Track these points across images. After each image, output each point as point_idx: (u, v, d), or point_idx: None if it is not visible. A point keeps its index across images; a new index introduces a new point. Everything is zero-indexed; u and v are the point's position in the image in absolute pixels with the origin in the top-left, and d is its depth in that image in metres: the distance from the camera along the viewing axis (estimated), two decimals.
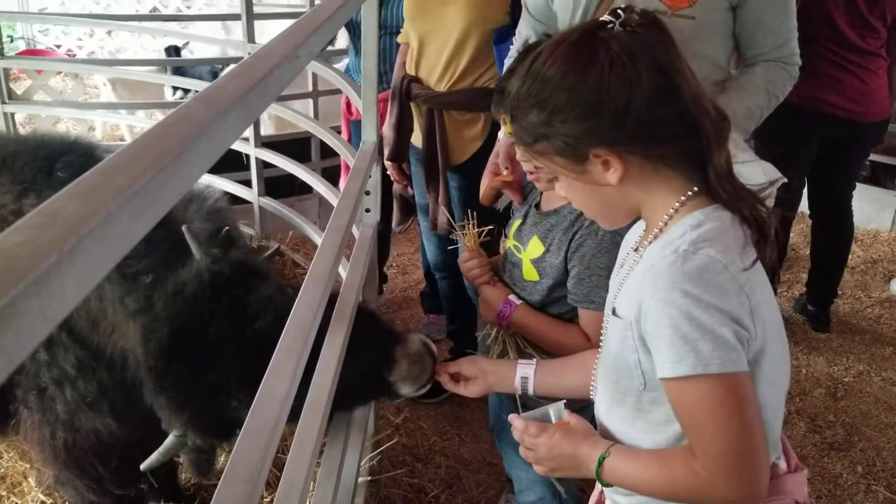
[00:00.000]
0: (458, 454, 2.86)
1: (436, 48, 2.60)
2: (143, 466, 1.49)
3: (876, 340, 3.78)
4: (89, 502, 1.91)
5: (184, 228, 1.52)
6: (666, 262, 1.03)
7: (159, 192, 0.50)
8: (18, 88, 4.62)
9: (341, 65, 3.90)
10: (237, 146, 3.23)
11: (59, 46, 7.46)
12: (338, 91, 4.23)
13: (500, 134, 1.95)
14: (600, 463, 1.14)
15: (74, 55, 7.28)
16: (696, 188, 1.09)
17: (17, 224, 0.40)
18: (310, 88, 4.12)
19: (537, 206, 1.76)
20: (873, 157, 4.24)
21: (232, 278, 1.47)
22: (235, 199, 3.26)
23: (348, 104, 3.35)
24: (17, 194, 1.57)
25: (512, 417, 1.30)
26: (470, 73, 2.57)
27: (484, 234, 1.85)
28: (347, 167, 2.70)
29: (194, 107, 0.63)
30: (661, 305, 1.02)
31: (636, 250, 1.20)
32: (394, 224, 3.14)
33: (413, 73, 2.67)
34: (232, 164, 3.58)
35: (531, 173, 1.65)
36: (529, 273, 1.73)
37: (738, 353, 1.00)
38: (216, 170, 3.32)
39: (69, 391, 1.61)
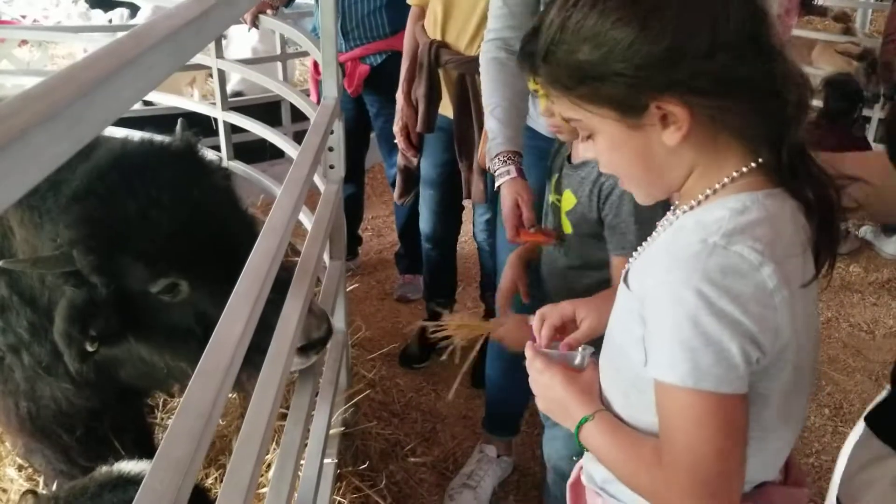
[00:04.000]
0: (434, 409, 2.91)
1: (465, 10, 2.48)
2: (2, 263, 1.43)
3: (844, 287, 3.86)
4: (60, 471, 1.93)
5: (179, 121, 1.66)
6: (690, 250, 0.89)
7: (82, 116, 0.52)
8: None
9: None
10: (204, 110, 3.21)
11: (24, 17, 7.31)
12: (304, 53, 4.22)
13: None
14: (581, 424, 1.07)
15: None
16: (760, 160, 0.94)
17: None
18: (278, 51, 4.09)
19: (569, 158, 1.72)
20: None
21: (199, 158, 1.58)
22: None
23: (316, 66, 3.32)
24: None
25: (527, 346, 1.20)
26: None
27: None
28: None
29: (124, 42, 0.64)
30: (668, 299, 0.90)
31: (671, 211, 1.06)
32: (395, 196, 3.08)
33: (439, 38, 2.54)
34: (200, 130, 3.55)
35: (554, 127, 1.58)
36: (566, 226, 1.71)
37: (737, 372, 0.88)
38: None
39: (25, 357, 1.61)
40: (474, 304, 3.36)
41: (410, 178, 2.99)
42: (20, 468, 2.24)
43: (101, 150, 1.48)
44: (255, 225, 1.67)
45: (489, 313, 3.06)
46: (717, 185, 0.95)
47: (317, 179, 2.23)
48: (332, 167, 2.00)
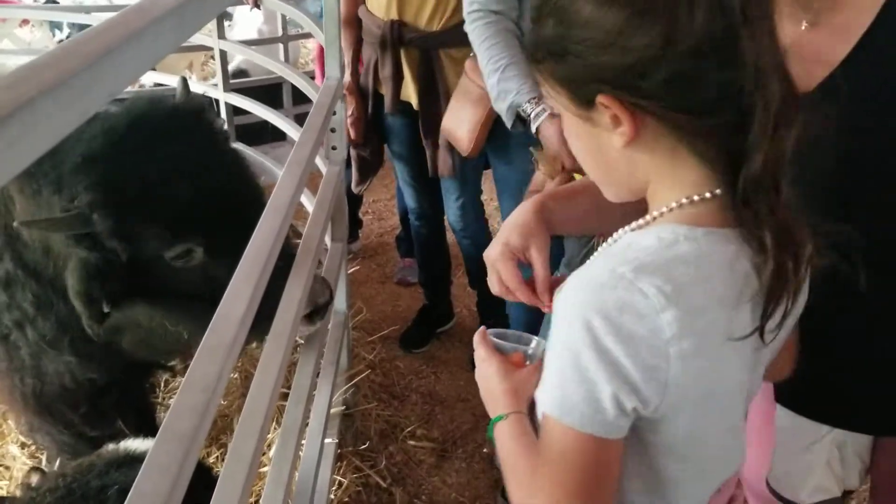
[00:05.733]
0: (433, 391, 2.93)
1: None
2: (16, 223, 1.43)
3: None
4: (65, 447, 1.94)
5: (179, 79, 1.63)
6: (599, 277, 0.82)
7: (88, 87, 0.52)
8: None
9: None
10: (206, 91, 3.20)
11: None
12: (307, 35, 4.20)
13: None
14: (495, 421, 1.02)
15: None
16: (717, 191, 0.83)
17: None
18: (279, 33, 4.08)
19: None
20: None
21: (209, 119, 1.56)
22: None
23: (322, 47, 3.31)
24: None
25: (477, 333, 1.14)
26: (461, 6, 2.51)
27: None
28: None
29: (128, 14, 0.64)
30: (562, 322, 0.84)
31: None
32: (353, 185, 3.04)
33: (396, 17, 2.52)
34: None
35: None
36: None
37: (605, 416, 0.82)
38: None
39: (30, 332, 1.61)
40: (473, 291, 3.37)
41: (366, 164, 2.97)
42: (23, 446, 2.26)
43: (112, 110, 1.47)
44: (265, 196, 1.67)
45: (483, 300, 3.10)
46: (664, 209, 0.86)
47: (318, 161, 2.23)
48: (334, 148, 2.00)
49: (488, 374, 1.08)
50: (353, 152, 2.93)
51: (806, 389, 1.32)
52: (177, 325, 1.55)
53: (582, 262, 0.98)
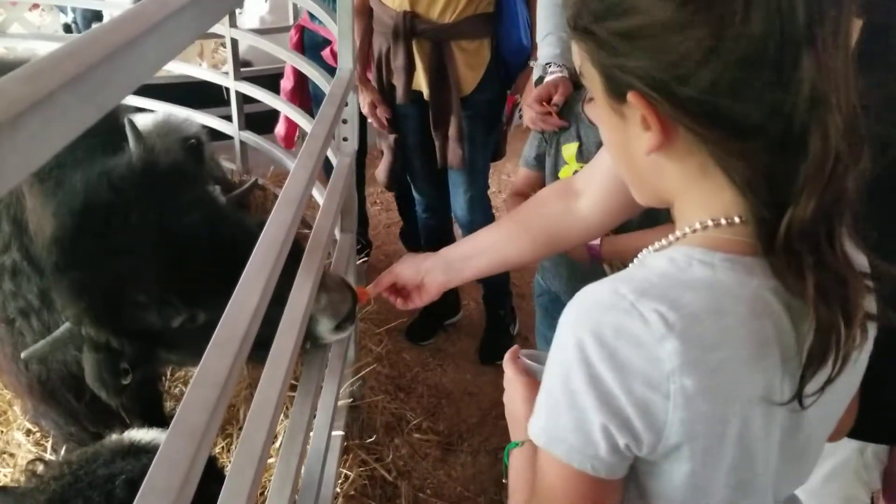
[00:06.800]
0: (439, 384, 2.93)
1: None
2: (24, 355, 1.41)
3: None
4: (69, 434, 1.94)
5: (126, 119, 1.52)
6: (598, 295, 0.74)
7: (108, 80, 0.51)
8: None
9: None
10: (216, 79, 3.19)
11: None
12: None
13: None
14: (511, 447, 0.98)
15: None
16: (739, 217, 0.73)
17: None
18: (290, 22, 4.06)
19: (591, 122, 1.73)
20: None
21: (165, 173, 1.44)
22: (216, 135, 3.24)
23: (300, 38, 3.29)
24: None
25: (508, 353, 1.09)
26: None
27: None
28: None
29: (149, 5, 0.63)
30: (556, 341, 0.76)
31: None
32: (385, 183, 3.04)
33: (409, 8, 2.52)
34: (212, 99, 3.54)
35: None
36: None
37: (597, 451, 0.73)
38: (196, 104, 3.29)
39: (35, 322, 1.60)
40: (479, 284, 3.36)
41: (396, 160, 2.94)
42: (28, 433, 2.26)
43: (70, 198, 1.38)
44: (246, 222, 1.55)
45: (490, 293, 3.12)
46: (687, 230, 0.77)
47: (328, 153, 2.22)
48: (345, 139, 1.99)
49: (513, 396, 1.03)
50: (379, 143, 2.92)
51: None
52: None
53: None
